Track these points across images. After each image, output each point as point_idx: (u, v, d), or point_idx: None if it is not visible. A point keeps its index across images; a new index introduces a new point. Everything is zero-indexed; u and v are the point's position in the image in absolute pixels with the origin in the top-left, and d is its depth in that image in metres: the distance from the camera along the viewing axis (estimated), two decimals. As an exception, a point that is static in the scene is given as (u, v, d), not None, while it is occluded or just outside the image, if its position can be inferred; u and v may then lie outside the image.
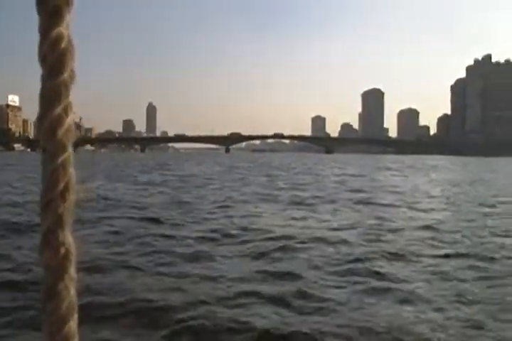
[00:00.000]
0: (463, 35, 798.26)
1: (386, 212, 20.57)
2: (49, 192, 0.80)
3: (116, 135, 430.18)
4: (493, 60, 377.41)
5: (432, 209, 22.37)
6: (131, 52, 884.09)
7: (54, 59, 0.80)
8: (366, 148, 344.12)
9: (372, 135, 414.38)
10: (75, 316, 0.81)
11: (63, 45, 0.80)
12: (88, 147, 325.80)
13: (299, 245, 13.23)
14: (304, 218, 18.73)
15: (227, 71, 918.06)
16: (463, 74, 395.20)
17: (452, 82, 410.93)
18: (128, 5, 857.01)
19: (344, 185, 36.69)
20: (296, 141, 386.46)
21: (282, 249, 12.70)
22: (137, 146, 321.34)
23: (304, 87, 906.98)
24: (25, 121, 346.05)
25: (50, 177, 0.81)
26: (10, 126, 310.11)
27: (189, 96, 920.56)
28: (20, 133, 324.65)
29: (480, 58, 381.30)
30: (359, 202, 24.59)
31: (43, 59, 0.81)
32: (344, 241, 13.70)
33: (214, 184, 36.38)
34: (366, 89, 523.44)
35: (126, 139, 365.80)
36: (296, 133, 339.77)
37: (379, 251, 12.41)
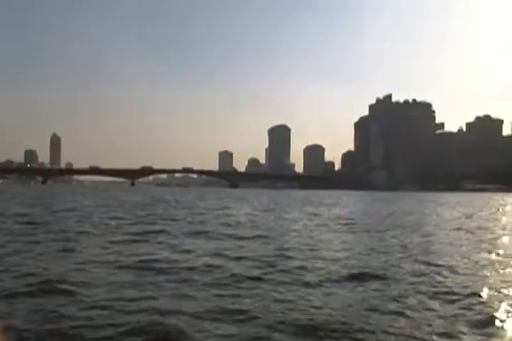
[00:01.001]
0: (363, 77, 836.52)
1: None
2: None
3: (17, 165, 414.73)
4: (393, 99, 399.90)
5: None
6: (32, 73, 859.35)
7: None
8: (272, 183, 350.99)
9: (279, 170, 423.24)
10: None
11: None
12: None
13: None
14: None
15: (133, 103, 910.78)
16: (366, 112, 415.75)
17: (356, 120, 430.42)
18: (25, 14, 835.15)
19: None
20: (203, 176, 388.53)
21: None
22: (39, 178, 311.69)
23: (212, 122, 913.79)
24: None
25: None
26: None
27: (97, 127, 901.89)
28: None
29: (381, 97, 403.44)
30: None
31: None
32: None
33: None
34: (273, 125, 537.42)
35: (28, 170, 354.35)
36: (203, 168, 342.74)
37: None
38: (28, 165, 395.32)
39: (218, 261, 16.09)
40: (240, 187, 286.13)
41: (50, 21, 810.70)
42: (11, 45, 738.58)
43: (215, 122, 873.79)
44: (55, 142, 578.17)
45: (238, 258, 16.78)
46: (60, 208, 46.29)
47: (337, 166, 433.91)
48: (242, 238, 23.64)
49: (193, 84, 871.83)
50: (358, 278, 13.42)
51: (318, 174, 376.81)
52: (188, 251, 18.53)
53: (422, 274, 14.20)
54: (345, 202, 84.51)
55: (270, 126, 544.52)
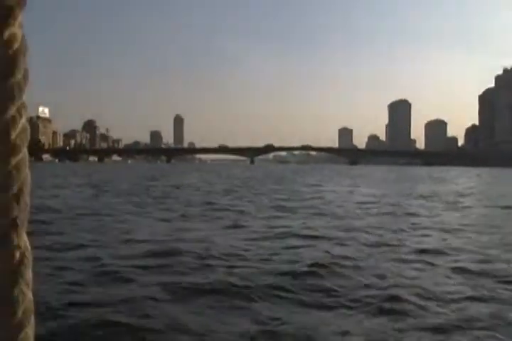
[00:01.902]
0: (492, 44, 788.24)
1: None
2: (2, 195, 0.77)
3: (144, 146, 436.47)
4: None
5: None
6: (164, 63, 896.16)
7: (6, 60, 0.78)
8: (393, 160, 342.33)
9: (399, 146, 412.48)
10: (32, 322, 0.80)
11: (16, 46, 0.79)
12: (115, 157, 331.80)
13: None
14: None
15: (254, 81, 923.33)
16: (492, 84, 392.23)
17: (480, 92, 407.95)
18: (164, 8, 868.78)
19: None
20: (322, 153, 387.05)
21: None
22: (163, 157, 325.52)
23: (332, 99, 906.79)
24: (54, 133, 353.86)
25: (4, 180, 0.79)
26: (40, 137, 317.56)
27: (217, 108, 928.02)
28: (49, 144, 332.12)
29: (509, 67, 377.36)
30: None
31: None
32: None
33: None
34: (393, 100, 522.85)
35: (153, 150, 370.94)
36: (322, 145, 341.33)
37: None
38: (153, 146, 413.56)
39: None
40: (359, 164, 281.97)
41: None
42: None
43: (335, 99, 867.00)
44: (179, 123, 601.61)
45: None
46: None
47: (460, 142, 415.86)
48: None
49: (315, 63, 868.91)
50: None
51: (441, 150, 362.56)
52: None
53: None
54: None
55: (390, 101, 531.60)
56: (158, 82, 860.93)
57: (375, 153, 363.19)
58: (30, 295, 0.79)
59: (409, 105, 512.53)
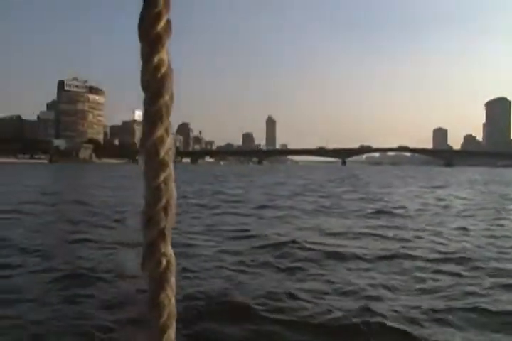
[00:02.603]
0: None
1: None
2: (152, 207, 0.87)
3: (236, 147, 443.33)
4: None
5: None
6: (250, 64, 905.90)
7: (156, 83, 0.87)
8: (490, 162, 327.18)
9: (499, 147, 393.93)
10: (174, 325, 0.89)
11: (164, 70, 0.87)
12: (208, 159, 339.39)
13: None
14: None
15: (346, 82, 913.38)
16: None
17: None
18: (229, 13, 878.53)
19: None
20: (416, 154, 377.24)
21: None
22: (255, 159, 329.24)
23: (426, 99, 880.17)
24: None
25: (153, 193, 0.87)
26: (136, 140, 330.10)
27: (310, 109, 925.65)
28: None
29: None
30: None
31: (146, 84, 0.88)
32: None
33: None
34: (491, 98, 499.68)
35: (245, 152, 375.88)
36: (416, 145, 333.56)
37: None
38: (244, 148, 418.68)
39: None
40: (455, 165, 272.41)
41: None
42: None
43: (428, 98, 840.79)
44: (271, 124, 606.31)
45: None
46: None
47: None
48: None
49: (407, 63, 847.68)
50: None
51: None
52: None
53: None
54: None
55: (487, 99, 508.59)
56: (249, 83, 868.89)
57: (472, 154, 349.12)
58: (173, 300, 0.87)
59: (509, 103, 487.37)
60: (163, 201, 0.86)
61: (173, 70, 0.84)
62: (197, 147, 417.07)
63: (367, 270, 11.35)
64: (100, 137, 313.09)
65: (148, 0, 0.83)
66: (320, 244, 14.69)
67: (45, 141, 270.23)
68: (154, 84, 0.86)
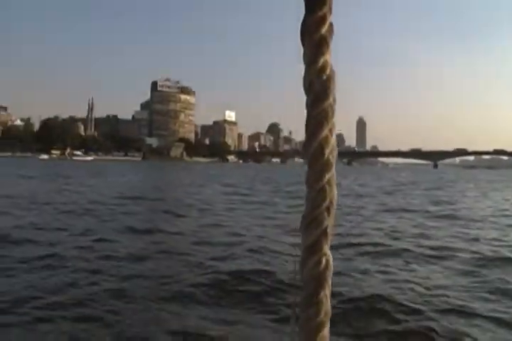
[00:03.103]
0: None
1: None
2: (316, 208, 0.86)
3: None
4: None
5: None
6: (340, 63, 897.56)
7: (320, 85, 0.85)
8: None
9: None
10: (328, 324, 0.87)
11: (328, 72, 0.86)
12: (298, 159, 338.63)
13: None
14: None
15: (437, 83, 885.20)
16: None
17: None
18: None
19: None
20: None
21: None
22: (345, 160, 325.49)
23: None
24: (239, 135, 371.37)
25: (318, 194, 0.86)
26: (226, 139, 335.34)
27: (399, 110, 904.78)
28: (235, 146, 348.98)
29: None
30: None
31: (309, 86, 0.87)
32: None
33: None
34: None
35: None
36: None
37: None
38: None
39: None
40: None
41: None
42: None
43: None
44: (361, 126, 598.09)
45: None
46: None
47: None
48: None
49: (494, 62, 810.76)
50: None
51: None
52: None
53: None
54: None
55: None
56: (339, 83, 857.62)
57: None
58: (329, 298, 0.87)
59: None
60: (327, 201, 0.87)
61: (335, 73, 0.84)
62: (287, 147, 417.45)
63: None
64: (191, 136, 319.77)
65: (313, 4, 0.84)
66: None
67: (139, 140, 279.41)
68: (318, 86, 0.85)
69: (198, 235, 15.57)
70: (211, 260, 11.65)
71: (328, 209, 0.86)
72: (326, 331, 0.86)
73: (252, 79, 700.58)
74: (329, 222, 0.86)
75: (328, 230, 0.87)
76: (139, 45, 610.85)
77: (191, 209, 24.06)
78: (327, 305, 0.87)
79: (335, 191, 0.87)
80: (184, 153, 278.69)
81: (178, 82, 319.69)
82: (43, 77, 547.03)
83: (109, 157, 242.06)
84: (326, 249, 0.87)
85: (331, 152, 0.87)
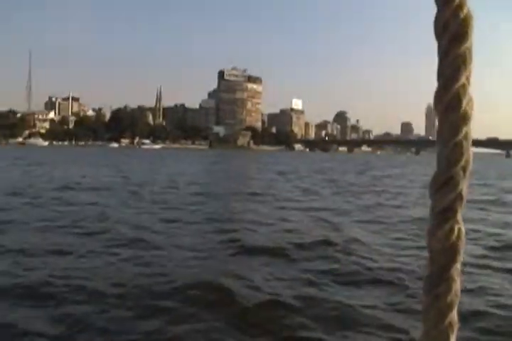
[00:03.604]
0: None
1: None
2: (451, 166, 0.77)
3: (394, 137, 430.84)
4: None
5: None
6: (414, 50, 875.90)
7: (457, 26, 0.77)
8: None
9: None
10: (457, 304, 0.77)
11: (465, 11, 0.78)
12: (365, 148, 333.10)
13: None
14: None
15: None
16: None
17: None
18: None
19: None
20: None
21: None
22: (413, 149, 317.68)
23: None
24: (306, 124, 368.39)
25: (453, 150, 0.78)
26: (293, 128, 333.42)
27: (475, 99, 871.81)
28: (301, 134, 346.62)
29: None
30: None
31: (443, 29, 0.78)
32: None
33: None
34: None
35: (403, 142, 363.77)
36: None
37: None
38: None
39: None
40: None
41: None
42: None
43: None
44: (430, 114, 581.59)
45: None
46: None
47: None
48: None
49: None
50: None
51: None
52: None
53: None
54: None
55: None
56: (407, 71, 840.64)
57: None
58: (460, 275, 0.77)
59: None
60: (463, 160, 0.77)
61: (473, 15, 0.76)
62: (354, 136, 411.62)
63: None
64: (258, 125, 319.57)
65: None
66: None
67: (206, 128, 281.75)
68: (456, 27, 0.77)
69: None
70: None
71: (464, 168, 0.78)
72: (454, 313, 0.76)
73: (319, 67, 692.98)
74: (464, 184, 0.77)
75: (464, 193, 0.77)
76: (206, 33, 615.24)
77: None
78: (458, 282, 0.76)
79: (470, 149, 0.78)
80: (251, 142, 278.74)
81: (244, 71, 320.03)
82: (112, 68, 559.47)
83: (177, 145, 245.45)
84: (459, 216, 0.77)
85: (469, 103, 0.79)
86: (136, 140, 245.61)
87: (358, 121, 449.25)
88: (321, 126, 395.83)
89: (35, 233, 12.43)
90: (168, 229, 13.78)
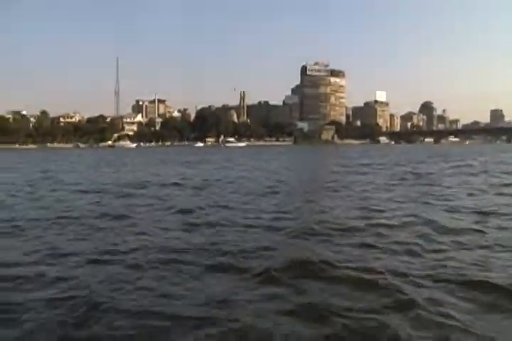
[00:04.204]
0: None
1: None
2: None
3: (483, 126, 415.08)
4: None
5: None
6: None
7: None
8: None
9: None
10: None
11: None
12: (452, 138, 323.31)
13: None
14: None
15: None
16: None
17: None
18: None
19: None
20: None
21: None
22: (504, 137, 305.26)
23: None
24: (391, 116, 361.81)
25: None
26: (377, 120, 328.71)
27: None
28: (386, 127, 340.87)
29: None
30: None
31: None
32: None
33: None
34: None
35: (492, 130, 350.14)
36: None
37: None
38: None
39: None
40: None
41: None
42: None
43: None
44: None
45: None
46: None
47: None
48: None
49: None
50: None
51: None
52: None
53: None
54: None
55: None
56: (496, 55, 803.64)
57: None
58: None
59: None
60: None
61: None
62: (441, 126, 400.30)
63: None
64: (342, 119, 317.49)
65: None
66: None
67: (290, 124, 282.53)
68: None
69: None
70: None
71: None
72: None
73: (402, 57, 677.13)
74: None
75: None
76: (287, 30, 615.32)
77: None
78: None
79: None
80: (335, 136, 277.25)
81: (327, 65, 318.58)
82: (197, 69, 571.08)
83: (261, 142, 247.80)
84: None
85: None
86: (221, 139, 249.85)
87: (444, 110, 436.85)
88: (407, 117, 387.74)
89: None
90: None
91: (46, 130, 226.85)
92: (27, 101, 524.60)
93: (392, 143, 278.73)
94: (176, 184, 26.61)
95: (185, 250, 10.05)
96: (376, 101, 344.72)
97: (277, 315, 6.52)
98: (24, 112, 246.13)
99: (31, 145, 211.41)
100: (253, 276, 8.19)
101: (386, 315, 6.41)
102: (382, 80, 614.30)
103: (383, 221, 13.36)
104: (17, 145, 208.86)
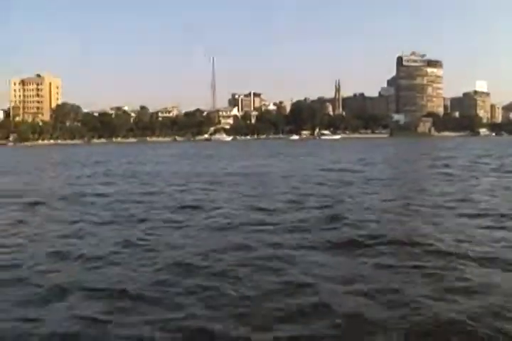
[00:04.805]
0: None
1: None
2: None
3: None
4: None
5: None
6: None
7: None
8: None
9: None
10: None
11: None
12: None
13: None
14: None
15: None
16: None
17: None
18: None
19: None
20: None
21: None
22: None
23: None
24: (492, 107, 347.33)
25: None
26: (477, 111, 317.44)
27: None
28: (487, 118, 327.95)
29: None
30: None
31: None
32: None
33: None
34: None
35: None
36: None
37: None
38: None
39: None
40: None
41: None
42: None
43: None
44: None
45: None
46: None
47: None
48: None
49: None
50: None
51: None
52: None
53: None
54: None
55: None
56: None
57: None
58: None
59: None
60: None
61: None
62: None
63: None
64: (440, 110, 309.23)
65: None
66: None
67: (386, 116, 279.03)
68: None
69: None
70: None
71: None
72: None
73: (502, 44, 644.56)
74: None
75: None
76: (378, 22, 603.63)
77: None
78: None
79: None
80: (432, 128, 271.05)
81: (424, 56, 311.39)
82: (293, 62, 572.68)
83: (356, 135, 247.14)
84: None
85: None
86: (316, 131, 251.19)
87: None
88: (510, 107, 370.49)
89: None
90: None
91: (145, 124, 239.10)
92: (127, 98, 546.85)
93: (493, 134, 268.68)
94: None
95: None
96: (476, 92, 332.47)
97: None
98: (125, 108, 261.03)
99: (132, 139, 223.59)
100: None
101: None
102: (482, 69, 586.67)
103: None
104: (119, 139, 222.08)
